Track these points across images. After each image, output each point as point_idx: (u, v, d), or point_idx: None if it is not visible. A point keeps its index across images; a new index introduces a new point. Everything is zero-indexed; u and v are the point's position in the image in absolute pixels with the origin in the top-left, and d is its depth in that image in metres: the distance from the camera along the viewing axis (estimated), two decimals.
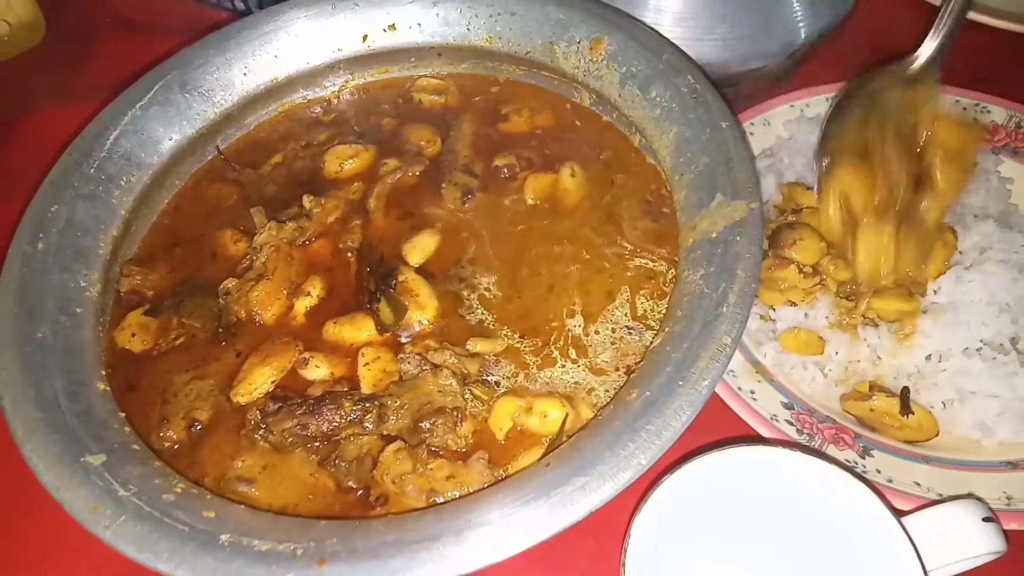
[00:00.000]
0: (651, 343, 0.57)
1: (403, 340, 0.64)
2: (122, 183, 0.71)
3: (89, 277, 0.65)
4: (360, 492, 0.56)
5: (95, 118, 0.73)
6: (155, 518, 0.48)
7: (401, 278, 0.66)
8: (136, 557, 0.47)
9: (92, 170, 0.69)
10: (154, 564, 0.47)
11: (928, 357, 0.70)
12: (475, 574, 0.62)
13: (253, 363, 0.63)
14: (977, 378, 0.68)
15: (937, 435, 0.67)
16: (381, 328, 0.64)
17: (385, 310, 0.64)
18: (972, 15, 1.00)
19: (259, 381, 0.62)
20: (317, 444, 0.58)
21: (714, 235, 0.59)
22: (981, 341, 0.70)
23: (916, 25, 1.03)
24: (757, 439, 0.65)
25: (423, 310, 0.65)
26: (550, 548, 0.63)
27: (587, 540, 0.64)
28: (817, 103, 0.88)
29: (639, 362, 0.56)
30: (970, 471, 0.65)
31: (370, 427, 0.57)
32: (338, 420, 0.56)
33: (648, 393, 0.51)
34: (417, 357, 0.59)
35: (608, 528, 0.60)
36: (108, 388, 0.59)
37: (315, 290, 0.67)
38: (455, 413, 0.56)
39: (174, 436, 0.59)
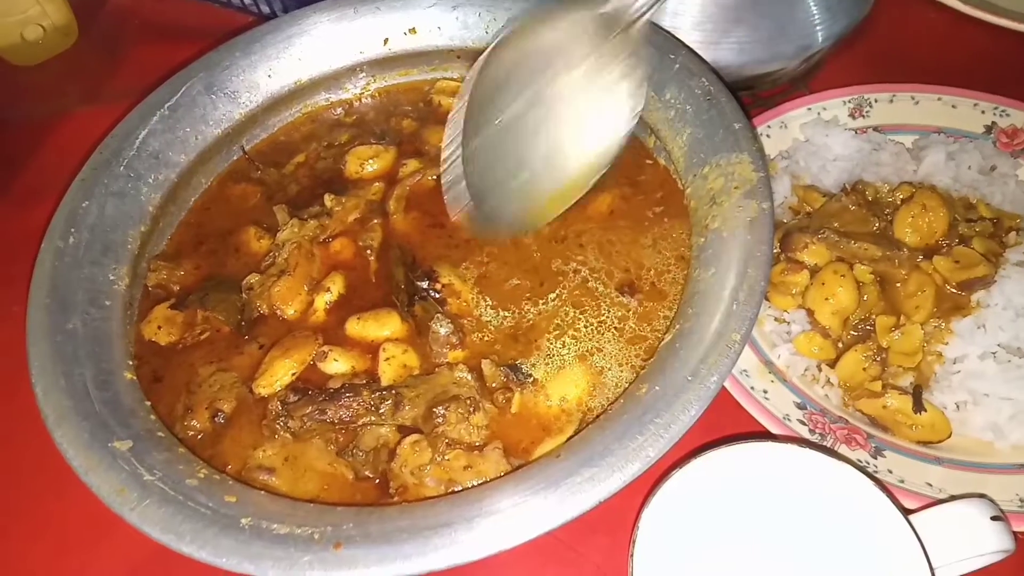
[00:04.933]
0: (662, 339, 0.58)
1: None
2: (150, 181, 0.73)
3: (118, 271, 0.68)
4: (377, 482, 0.58)
5: (125, 118, 0.75)
6: (179, 502, 0.50)
7: (445, 280, 0.68)
8: (160, 538, 0.49)
9: (122, 168, 0.72)
10: (177, 545, 0.48)
11: (943, 362, 0.70)
12: (491, 568, 0.64)
13: (274, 356, 0.64)
14: (991, 381, 0.68)
15: (950, 436, 0.67)
16: (418, 330, 0.65)
17: (422, 314, 0.66)
18: (991, 18, 1.00)
19: (280, 373, 0.63)
20: (335, 435, 0.59)
21: (725, 234, 0.60)
22: (998, 345, 0.70)
23: (933, 27, 1.04)
24: (767, 436, 0.66)
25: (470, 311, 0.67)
26: (563, 544, 0.65)
27: (600, 537, 0.65)
28: (834, 106, 0.89)
29: (650, 358, 0.57)
30: (983, 473, 0.65)
31: (385, 414, 0.58)
32: (356, 407, 0.58)
33: (657, 388, 0.52)
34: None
35: (620, 525, 0.61)
36: (135, 378, 0.62)
37: (335, 286, 0.69)
38: (468, 402, 0.58)
39: (198, 425, 0.61)
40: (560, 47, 0.59)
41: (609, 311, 0.66)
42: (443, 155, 0.59)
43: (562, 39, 0.59)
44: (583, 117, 0.59)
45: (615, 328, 0.65)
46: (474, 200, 0.59)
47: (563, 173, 0.59)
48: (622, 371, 0.62)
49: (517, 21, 0.62)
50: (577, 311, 0.66)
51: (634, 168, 0.75)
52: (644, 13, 0.58)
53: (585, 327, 0.65)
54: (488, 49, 0.58)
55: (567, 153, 0.59)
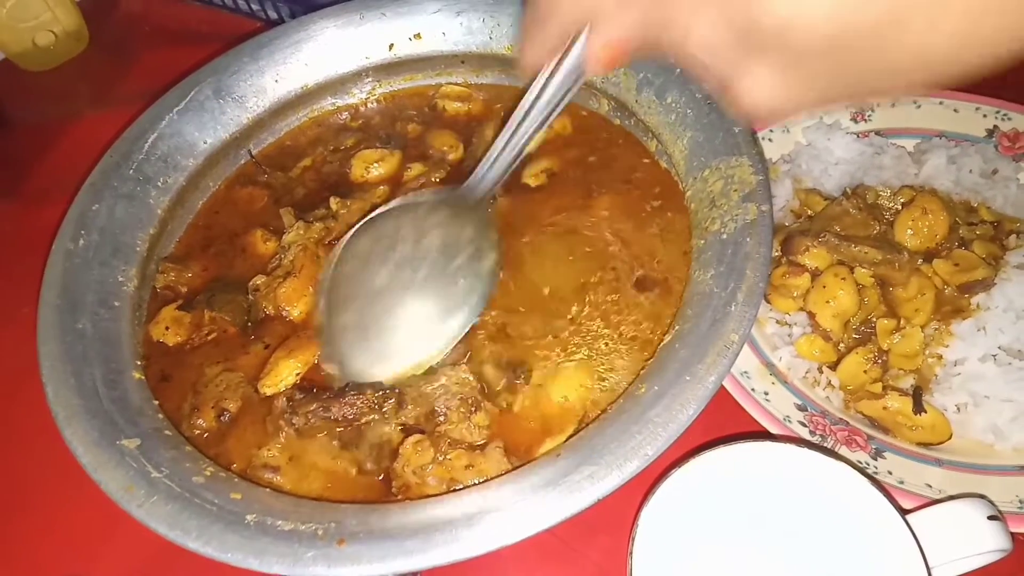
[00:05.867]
0: (662, 340, 0.58)
1: None
2: (159, 184, 0.74)
3: (127, 273, 0.69)
4: (380, 478, 0.58)
5: (134, 122, 0.76)
6: (185, 498, 0.51)
7: None
8: (167, 534, 0.49)
9: (131, 171, 0.73)
10: (183, 541, 0.49)
11: (944, 364, 0.71)
12: (491, 566, 0.64)
13: (279, 356, 0.65)
14: (991, 382, 0.68)
15: (950, 438, 0.68)
16: None
17: None
18: None
19: (284, 373, 0.64)
20: (339, 430, 0.60)
21: (725, 236, 0.60)
22: (999, 347, 0.70)
23: None
24: (767, 436, 0.66)
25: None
26: (563, 543, 0.66)
27: (599, 536, 0.65)
28: (836, 110, 0.89)
29: (650, 358, 0.58)
30: (983, 474, 0.65)
31: (388, 412, 0.59)
32: (360, 405, 0.59)
33: (656, 387, 0.53)
34: None
35: (621, 524, 0.62)
36: (143, 377, 0.63)
37: None
38: (470, 401, 0.58)
39: (204, 424, 0.62)
40: (417, 227, 0.66)
41: (615, 310, 0.66)
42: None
43: (420, 220, 0.67)
44: (435, 297, 0.64)
45: (618, 330, 0.65)
46: (339, 361, 0.64)
47: (415, 347, 0.63)
48: (624, 368, 0.63)
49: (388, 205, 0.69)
50: (581, 311, 0.66)
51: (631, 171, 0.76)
52: (491, 192, 0.65)
53: (589, 326, 0.65)
54: (354, 228, 0.68)
55: (419, 330, 0.64)
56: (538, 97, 0.55)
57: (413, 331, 0.63)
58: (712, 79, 0.40)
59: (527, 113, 0.57)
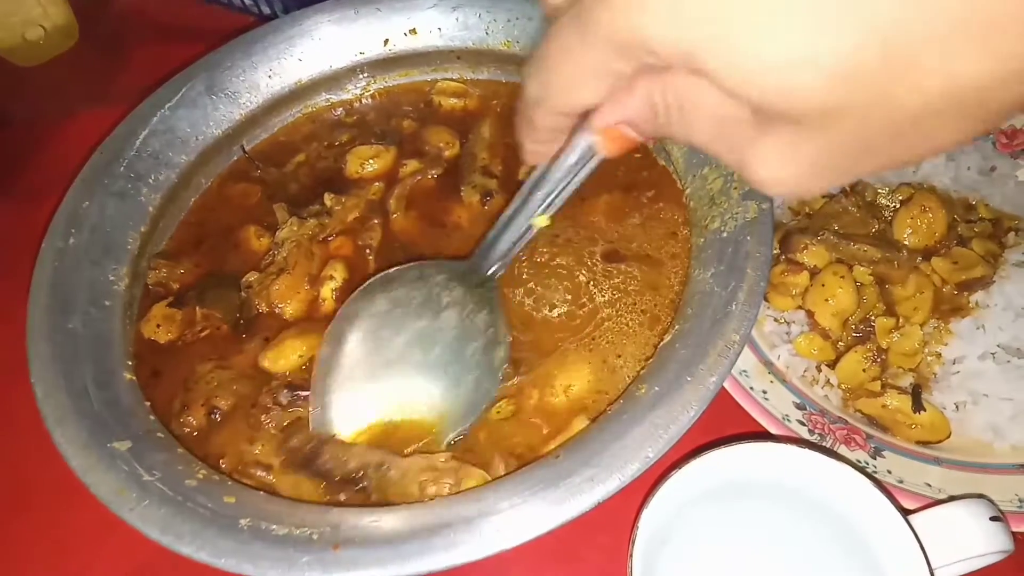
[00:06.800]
0: (661, 340, 0.58)
1: None
2: (151, 181, 0.73)
3: (118, 271, 0.68)
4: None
5: (126, 118, 0.75)
6: (178, 502, 0.50)
7: None
8: (160, 539, 0.48)
9: (122, 168, 0.72)
10: (177, 546, 0.48)
11: (943, 363, 0.70)
12: (490, 569, 0.64)
13: (287, 335, 0.65)
14: (991, 381, 0.68)
15: (949, 436, 0.68)
16: None
17: None
18: None
19: (289, 352, 0.64)
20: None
21: (725, 234, 0.60)
22: (998, 346, 0.70)
23: None
24: (767, 436, 0.66)
25: None
26: (563, 544, 0.65)
27: (600, 537, 0.65)
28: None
29: (650, 358, 0.57)
30: (982, 473, 0.65)
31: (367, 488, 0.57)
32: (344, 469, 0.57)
33: (657, 388, 0.52)
34: None
35: (622, 524, 0.61)
36: (134, 378, 0.62)
37: (338, 273, 0.69)
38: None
39: (194, 422, 0.61)
40: (432, 303, 0.63)
41: (612, 298, 0.66)
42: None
43: (435, 296, 0.64)
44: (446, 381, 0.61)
45: (628, 297, 0.65)
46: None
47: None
48: (632, 355, 0.62)
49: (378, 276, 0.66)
50: (581, 302, 0.66)
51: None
52: (496, 271, 0.61)
53: (590, 318, 0.65)
54: (366, 285, 0.65)
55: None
56: (543, 177, 0.50)
57: (417, 412, 0.61)
58: (724, 158, 0.36)
59: (532, 192, 0.52)
